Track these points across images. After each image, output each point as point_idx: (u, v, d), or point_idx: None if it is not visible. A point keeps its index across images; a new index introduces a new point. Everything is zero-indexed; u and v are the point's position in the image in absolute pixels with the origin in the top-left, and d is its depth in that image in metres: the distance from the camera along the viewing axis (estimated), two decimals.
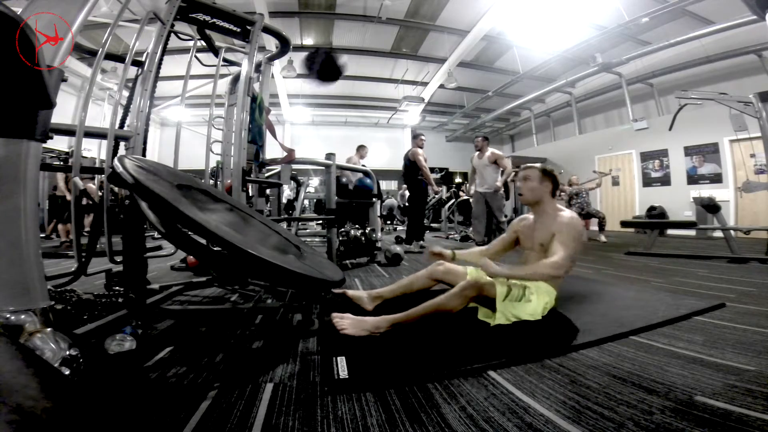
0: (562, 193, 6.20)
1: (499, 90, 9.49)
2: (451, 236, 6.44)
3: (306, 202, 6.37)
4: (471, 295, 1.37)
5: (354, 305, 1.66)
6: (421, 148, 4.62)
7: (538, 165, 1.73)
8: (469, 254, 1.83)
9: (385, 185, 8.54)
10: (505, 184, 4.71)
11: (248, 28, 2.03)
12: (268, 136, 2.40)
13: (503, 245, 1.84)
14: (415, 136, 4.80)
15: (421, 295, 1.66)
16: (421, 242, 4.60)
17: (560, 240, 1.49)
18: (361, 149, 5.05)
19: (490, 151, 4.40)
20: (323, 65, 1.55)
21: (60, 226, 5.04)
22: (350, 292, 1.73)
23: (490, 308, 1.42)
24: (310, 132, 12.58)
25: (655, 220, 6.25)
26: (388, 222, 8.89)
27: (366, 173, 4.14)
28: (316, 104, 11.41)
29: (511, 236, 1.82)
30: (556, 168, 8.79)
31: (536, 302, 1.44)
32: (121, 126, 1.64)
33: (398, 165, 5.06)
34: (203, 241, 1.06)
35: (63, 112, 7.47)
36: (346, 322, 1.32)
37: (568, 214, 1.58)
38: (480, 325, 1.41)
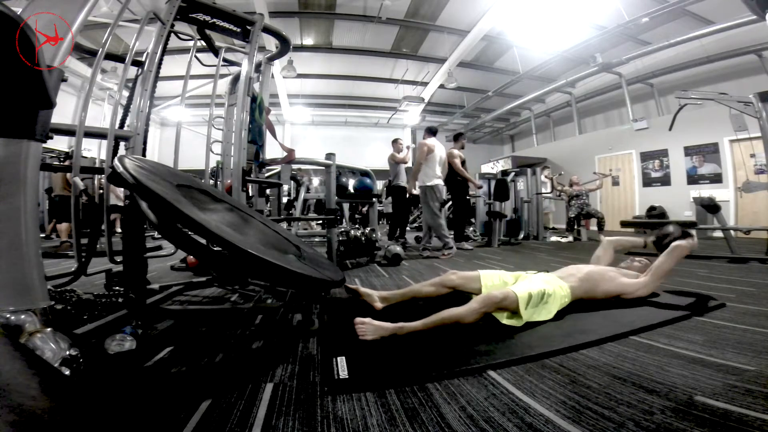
0: (563, 194, 6.20)
1: (499, 90, 9.49)
2: (451, 236, 6.43)
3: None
4: (490, 311, 1.39)
5: (362, 304, 1.67)
6: (462, 149, 4.66)
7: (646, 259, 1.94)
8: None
9: (381, 185, 8.44)
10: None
11: (248, 28, 2.03)
12: (268, 136, 2.41)
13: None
14: (456, 137, 4.81)
15: (431, 301, 1.67)
16: (427, 245, 4.56)
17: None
18: (395, 143, 5.00)
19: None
20: None
21: (59, 226, 5.05)
22: (362, 290, 1.74)
23: (508, 311, 1.43)
24: (310, 132, 12.57)
25: (655, 220, 6.25)
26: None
27: (366, 173, 4.14)
28: (316, 104, 11.41)
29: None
30: (556, 168, 8.80)
31: (552, 304, 1.49)
32: (121, 126, 1.64)
33: None
34: (203, 241, 1.06)
35: (63, 112, 7.47)
36: (366, 328, 1.31)
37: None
38: (481, 325, 1.41)
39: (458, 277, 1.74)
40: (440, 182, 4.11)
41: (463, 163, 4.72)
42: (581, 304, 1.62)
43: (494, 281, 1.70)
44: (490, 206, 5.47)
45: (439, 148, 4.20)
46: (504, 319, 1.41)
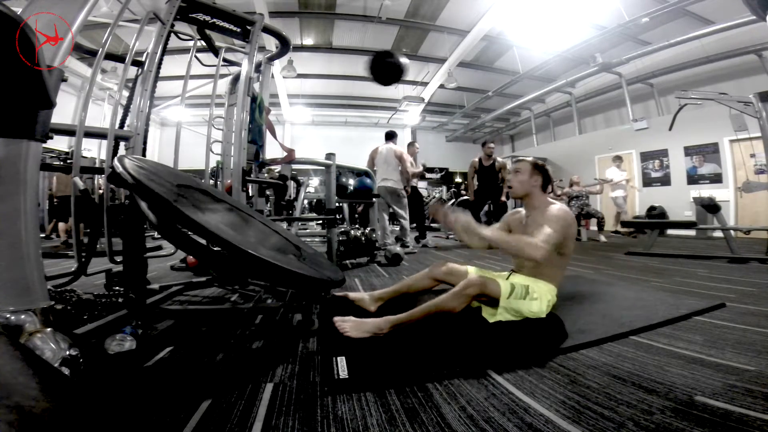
0: (563, 195, 6.20)
1: (499, 90, 9.48)
2: (450, 236, 6.44)
3: (305, 201, 6.37)
4: (473, 294, 1.36)
5: (356, 307, 1.66)
6: (489, 156, 4.86)
7: (530, 158, 1.70)
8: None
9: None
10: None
11: (248, 28, 2.03)
12: (268, 136, 2.41)
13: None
14: (482, 143, 5.03)
15: (424, 294, 1.67)
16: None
17: (545, 225, 1.44)
18: (410, 146, 5.12)
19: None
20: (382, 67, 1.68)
21: (60, 225, 5.05)
22: (352, 295, 1.73)
23: (493, 306, 1.42)
24: (310, 132, 12.57)
25: (655, 220, 6.25)
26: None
27: (366, 173, 4.14)
28: (316, 104, 11.40)
29: (504, 227, 1.77)
30: (556, 168, 8.79)
31: (540, 302, 1.45)
32: (121, 126, 1.64)
33: None
34: (203, 241, 1.06)
35: (63, 112, 7.47)
36: (347, 325, 1.32)
37: (558, 206, 1.55)
38: (481, 324, 1.41)
39: (447, 268, 1.69)
40: (386, 184, 4.24)
41: (485, 168, 4.90)
42: (580, 302, 1.62)
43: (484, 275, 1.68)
44: (490, 206, 5.48)
45: (383, 150, 4.34)
46: (491, 318, 1.41)
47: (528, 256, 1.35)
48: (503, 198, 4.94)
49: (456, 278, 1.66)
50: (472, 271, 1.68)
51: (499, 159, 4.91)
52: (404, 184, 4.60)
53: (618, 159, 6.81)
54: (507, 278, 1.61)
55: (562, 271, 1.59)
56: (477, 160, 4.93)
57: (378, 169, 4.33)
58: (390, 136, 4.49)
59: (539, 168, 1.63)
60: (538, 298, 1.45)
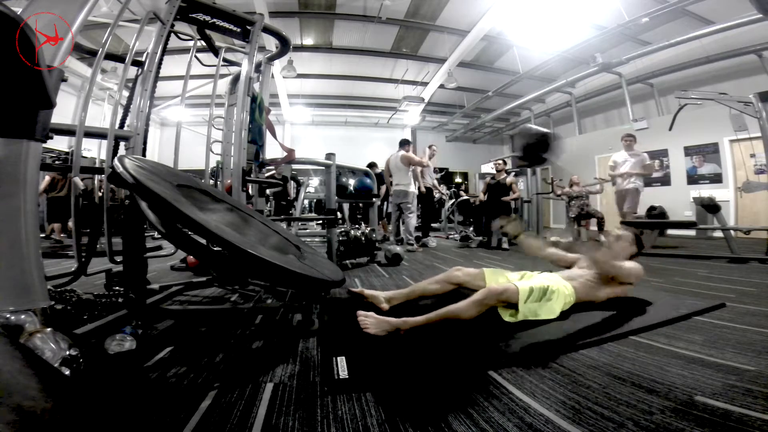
0: (563, 195, 6.21)
1: (499, 90, 9.48)
2: (450, 236, 6.44)
3: (306, 202, 6.37)
4: (492, 304, 1.40)
5: (365, 304, 1.66)
6: (498, 171, 5.12)
7: (632, 230, 1.95)
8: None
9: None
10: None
11: (248, 28, 2.03)
12: (268, 136, 2.40)
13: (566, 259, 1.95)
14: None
15: (437, 298, 1.68)
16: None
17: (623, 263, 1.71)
18: (428, 148, 5.36)
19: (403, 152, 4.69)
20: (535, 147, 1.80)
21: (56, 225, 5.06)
22: (367, 292, 1.74)
23: (511, 308, 1.44)
24: (310, 132, 12.56)
25: (655, 220, 6.25)
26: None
27: (366, 173, 4.15)
28: (316, 104, 11.40)
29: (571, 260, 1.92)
30: (556, 168, 8.78)
31: (555, 302, 1.49)
32: (121, 126, 1.64)
33: None
34: (203, 241, 1.06)
35: (63, 112, 7.47)
36: (369, 321, 1.34)
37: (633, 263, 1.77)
38: (481, 325, 1.41)
39: (463, 273, 1.75)
40: (397, 188, 4.52)
41: (492, 185, 5.16)
42: (584, 306, 1.62)
43: (498, 278, 1.70)
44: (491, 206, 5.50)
45: (392, 158, 4.61)
46: (507, 317, 1.42)
47: (602, 267, 1.63)
48: (511, 215, 5.15)
49: (473, 281, 1.73)
50: (487, 274, 1.73)
51: (509, 177, 5.04)
52: (417, 180, 4.77)
53: (629, 137, 4.80)
54: (520, 278, 1.69)
55: (593, 299, 1.67)
56: (490, 177, 5.27)
57: (393, 175, 4.58)
58: (401, 144, 4.70)
59: (639, 242, 1.89)
60: (554, 299, 1.49)
